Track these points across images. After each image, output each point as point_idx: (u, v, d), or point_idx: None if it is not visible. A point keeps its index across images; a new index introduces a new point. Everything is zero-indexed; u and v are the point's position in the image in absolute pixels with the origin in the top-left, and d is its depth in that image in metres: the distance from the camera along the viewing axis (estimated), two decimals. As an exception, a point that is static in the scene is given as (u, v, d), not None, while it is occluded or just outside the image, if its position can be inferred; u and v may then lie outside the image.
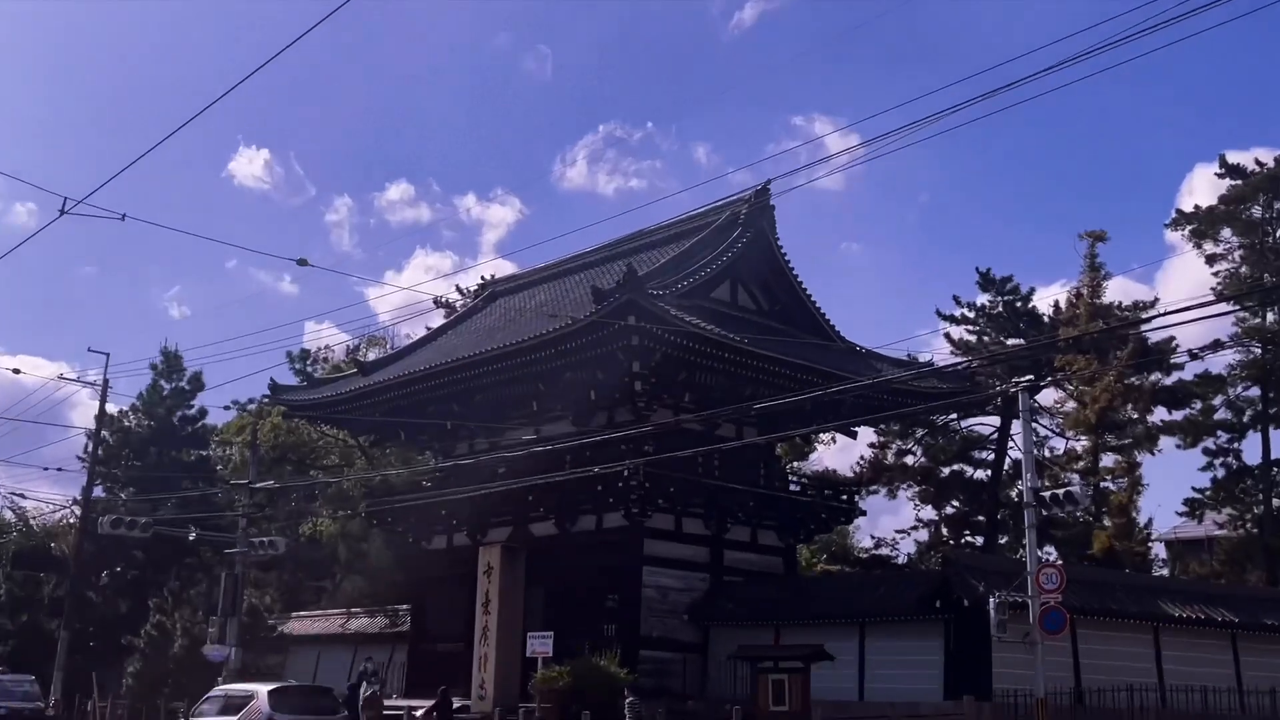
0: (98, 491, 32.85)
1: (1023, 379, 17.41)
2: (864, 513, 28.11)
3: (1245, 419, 29.50)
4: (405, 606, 28.07)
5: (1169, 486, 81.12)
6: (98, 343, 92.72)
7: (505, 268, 38.35)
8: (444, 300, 35.12)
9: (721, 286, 24.38)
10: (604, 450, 20.89)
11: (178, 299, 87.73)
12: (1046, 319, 32.35)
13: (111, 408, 34.11)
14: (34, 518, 38.17)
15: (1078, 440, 31.35)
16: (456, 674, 23.02)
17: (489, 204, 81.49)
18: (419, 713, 19.17)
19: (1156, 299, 34.14)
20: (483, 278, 32.48)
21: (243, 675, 20.78)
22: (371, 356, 33.89)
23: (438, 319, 33.40)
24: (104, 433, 33.98)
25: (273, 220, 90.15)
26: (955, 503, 33.98)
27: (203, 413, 37.93)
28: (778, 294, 25.15)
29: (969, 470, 33.75)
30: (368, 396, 26.04)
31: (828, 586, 23.58)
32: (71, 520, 34.70)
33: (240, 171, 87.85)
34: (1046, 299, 40.98)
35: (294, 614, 31.62)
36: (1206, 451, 29.67)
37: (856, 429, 26.91)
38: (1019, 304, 33.11)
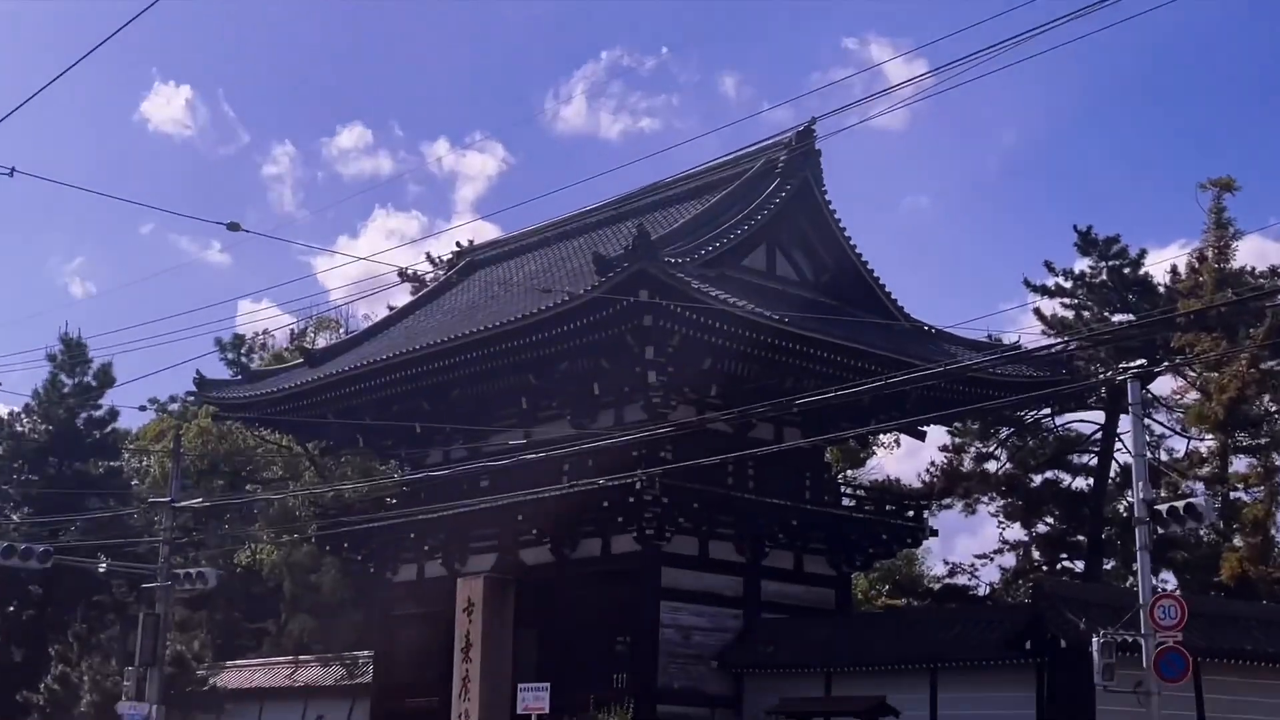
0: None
1: (1133, 364, 17.35)
2: (935, 532, 28.04)
3: None
4: (366, 653, 28.21)
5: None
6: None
7: (486, 231, 38.22)
8: (410, 272, 35.27)
9: (756, 252, 24.39)
10: (611, 457, 20.93)
11: (80, 273, 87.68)
12: (1162, 289, 32.26)
13: (-1, 408, 34.39)
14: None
15: (1202, 440, 31.31)
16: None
17: (465, 152, 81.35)
18: None
19: (1300, 262, 34.03)
20: (458, 244, 32.59)
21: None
22: (321, 343, 34.08)
23: (403, 296, 33.58)
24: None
25: (197, 174, 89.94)
26: (1049, 519, 33.97)
27: (113, 414, 37.85)
28: (825, 261, 25.14)
29: (1066, 479, 33.72)
30: (317, 393, 26.14)
31: (891, 624, 23.64)
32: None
33: (156, 114, 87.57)
34: (1162, 264, 40.88)
35: (229, 663, 31.75)
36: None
37: (925, 429, 26.90)
38: (1127, 270, 32.98)
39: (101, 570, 25.42)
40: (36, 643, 31.97)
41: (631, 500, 21.59)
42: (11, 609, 34.37)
